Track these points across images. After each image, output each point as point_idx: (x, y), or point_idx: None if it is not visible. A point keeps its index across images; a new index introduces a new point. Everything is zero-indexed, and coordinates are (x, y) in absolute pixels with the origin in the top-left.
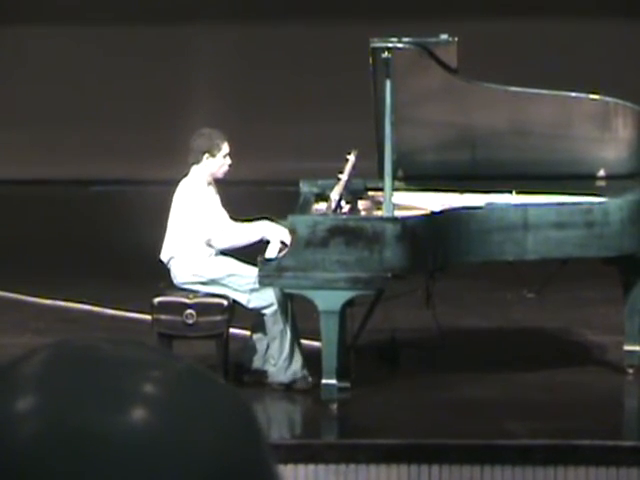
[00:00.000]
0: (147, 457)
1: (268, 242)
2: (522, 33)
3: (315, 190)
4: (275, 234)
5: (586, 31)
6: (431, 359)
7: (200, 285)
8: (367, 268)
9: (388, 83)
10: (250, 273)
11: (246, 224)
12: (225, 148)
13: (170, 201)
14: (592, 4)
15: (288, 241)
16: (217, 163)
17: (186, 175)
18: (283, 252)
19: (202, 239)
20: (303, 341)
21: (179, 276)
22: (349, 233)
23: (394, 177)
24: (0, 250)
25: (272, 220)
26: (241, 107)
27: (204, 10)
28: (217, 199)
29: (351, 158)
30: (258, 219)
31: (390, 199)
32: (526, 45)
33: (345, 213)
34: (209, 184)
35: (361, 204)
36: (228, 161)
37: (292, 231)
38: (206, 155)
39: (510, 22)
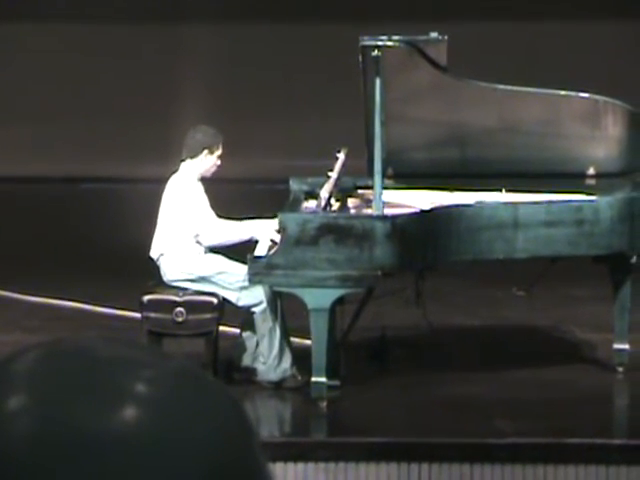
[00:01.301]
0: (139, 456)
1: (257, 241)
2: (514, 34)
3: (305, 188)
4: (264, 233)
5: (578, 31)
6: (421, 357)
7: (189, 282)
8: (357, 266)
9: (378, 81)
10: (240, 271)
11: (235, 222)
12: (221, 149)
13: (160, 198)
14: (584, 5)
15: (278, 239)
16: (212, 161)
17: (175, 172)
18: (273, 250)
19: (191, 235)
20: (292, 339)
21: (169, 273)
22: (339, 231)
23: (384, 175)
24: None
25: (262, 218)
26: (232, 105)
27: (196, 10)
28: (205, 198)
29: (341, 156)
30: (248, 218)
31: (380, 197)
32: (518, 46)
33: (335, 211)
34: (198, 181)
35: (351, 202)
36: (219, 162)
37: (282, 229)
38: (205, 151)
39: (502, 23)
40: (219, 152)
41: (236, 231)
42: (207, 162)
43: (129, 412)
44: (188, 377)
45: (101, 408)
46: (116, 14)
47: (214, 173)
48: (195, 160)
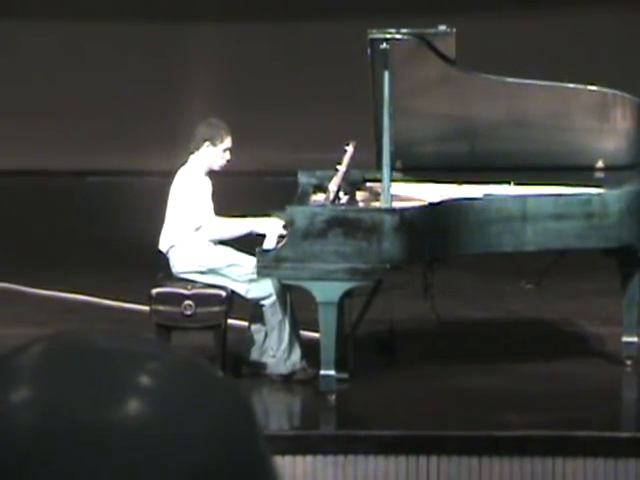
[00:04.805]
0: (142, 449)
1: (258, 235)
2: (522, 27)
3: (313, 181)
4: (266, 227)
5: (586, 22)
6: (429, 350)
7: (199, 275)
8: (365, 259)
9: (386, 74)
10: (249, 263)
11: (236, 219)
12: (227, 142)
13: (168, 191)
14: None
15: (280, 233)
16: (216, 154)
17: (184, 164)
18: (281, 243)
19: (192, 226)
20: (302, 332)
21: (178, 265)
22: (347, 224)
23: (392, 168)
24: None
25: (268, 215)
26: (240, 98)
27: (204, 5)
28: (210, 194)
29: (349, 149)
30: (255, 212)
31: (388, 190)
32: (527, 38)
33: (343, 204)
34: (206, 175)
35: (359, 195)
36: (227, 156)
37: (290, 222)
38: (207, 143)
39: (510, 16)
40: (224, 145)
41: (236, 225)
42: (211, 154)
43: (131, 405)
44: (191, 370)
45: (103, 401)
46: (120, 9)
47: (224, 167)
48: (199, 153)
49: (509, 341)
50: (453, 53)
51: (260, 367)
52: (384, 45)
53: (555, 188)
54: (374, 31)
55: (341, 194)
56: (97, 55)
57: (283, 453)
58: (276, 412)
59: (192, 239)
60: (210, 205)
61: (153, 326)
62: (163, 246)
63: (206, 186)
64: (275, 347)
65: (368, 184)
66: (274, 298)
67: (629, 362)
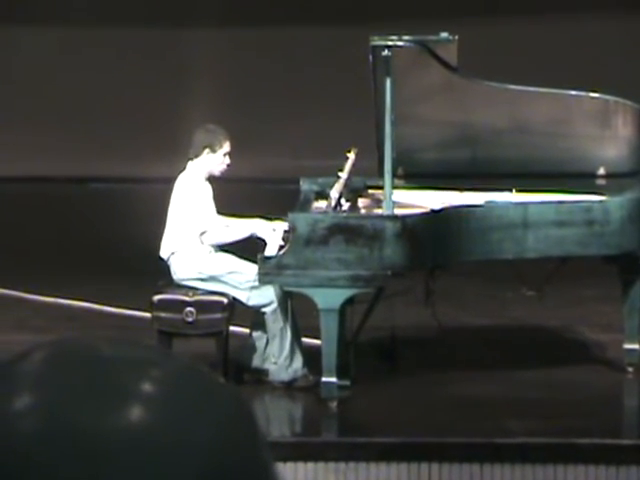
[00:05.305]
0: (144, 455)
1: (258, 239)
2: (523, 32)
3: (315, 188)
4: (267, 232)
5: (587, 29)
6: (430, 357)
7: (200, 282)
8: (367, 266)
9: (388, 81)
10: (250, 270)
11: (235, 222)
12: (226, 147)
13: (169, 198)
14: (592, 2)
15: (280, 235)
16: (216, 160)
17: (183, 170)
18: (283, 250)
19: (196, 232)
20: (303, 339)
21: (179, 272)
22: (349, 231)
23: (394, 175)
24: (0, 248)
25: (267, 218)
26: (241, 105)
27: (203, 10)
28: (211, 199)
29: (351, 156)
30: (253, 217)
31: (390, 197)
32: (527, 44)
33: (345, 211)
34: (206, 180)
35: (361, 202)
36: (227, 160)
37: (292, 229)
38: (207, 150)
39: (510, 22)
40: (223, 150)
41: (237, 230)
42: (211, 161)
43: (133, 411)
44: (193, 377)
45: (105, 407)
46: (121, 14)
47: (224, 172)
48: (199, 159)
49: (510, 348)
50: (455, 60)
51: (262, 374)
52: (386, 52)
53: (557, 195)
54: (376, 38)
55: (343, 201)
56: (97, 60)
57: (285, 459)
58: (278, 419)
59: (193, 246)
60: (212, 209)
61: (155, 333)
62: (164, 253)
63: (207, 191)
64: (277, 354)
65: (370, 191)
66: (275, 305)
67: (630, 369)
